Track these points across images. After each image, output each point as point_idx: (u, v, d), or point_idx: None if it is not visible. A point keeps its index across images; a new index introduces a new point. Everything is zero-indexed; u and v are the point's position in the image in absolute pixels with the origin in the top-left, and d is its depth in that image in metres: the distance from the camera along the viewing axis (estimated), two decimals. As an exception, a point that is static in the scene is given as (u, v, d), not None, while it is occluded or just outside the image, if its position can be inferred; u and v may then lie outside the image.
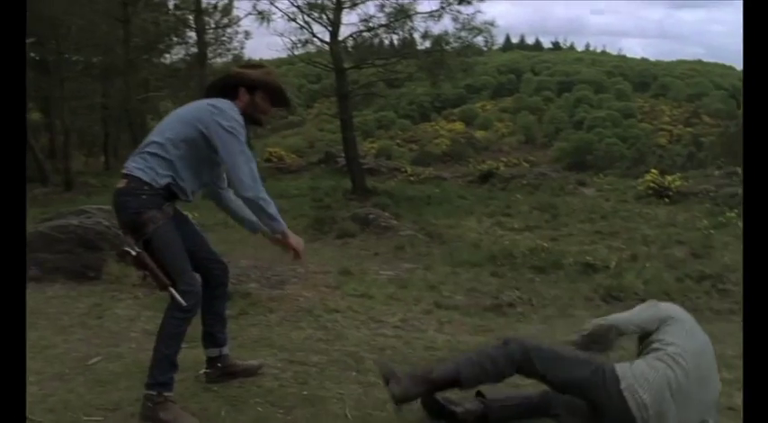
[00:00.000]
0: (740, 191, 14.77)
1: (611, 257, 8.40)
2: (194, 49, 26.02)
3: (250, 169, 3.43)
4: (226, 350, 3.95)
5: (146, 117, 33.18)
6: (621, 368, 3.17)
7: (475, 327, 5.43)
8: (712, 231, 11.02)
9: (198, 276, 3.62)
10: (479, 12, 18.33)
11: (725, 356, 4.82)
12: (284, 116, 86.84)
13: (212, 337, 3.90)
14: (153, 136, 3.55)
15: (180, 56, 30.32)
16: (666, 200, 15.00)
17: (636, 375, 3.14)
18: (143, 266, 3.44)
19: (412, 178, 20.82)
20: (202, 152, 3.50)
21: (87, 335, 4.78)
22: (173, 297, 3.45)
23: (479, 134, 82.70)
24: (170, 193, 3.49)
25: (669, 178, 16.01)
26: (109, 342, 4.62)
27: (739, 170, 17.81)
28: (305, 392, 3.79)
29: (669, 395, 3.13)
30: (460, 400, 3.41)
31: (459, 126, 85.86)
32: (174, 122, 3.56)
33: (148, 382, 3.45)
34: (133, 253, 3.42)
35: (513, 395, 3.50)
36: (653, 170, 17.77)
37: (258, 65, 3.91)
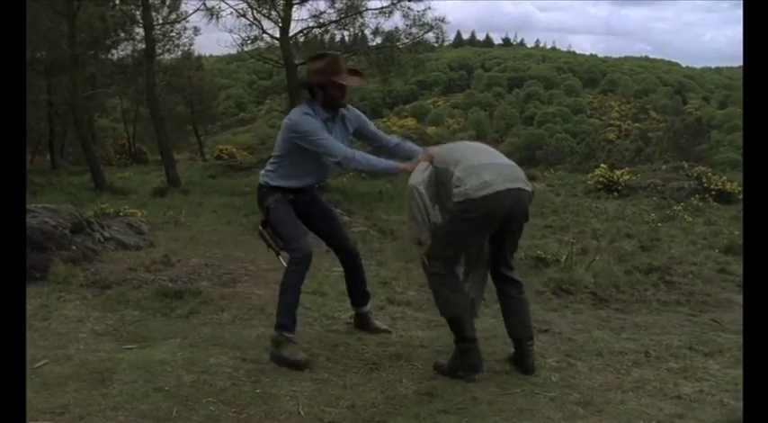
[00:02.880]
0: (686, 185, 15.11)
1: (561, 251, 8.48)
2: (142, 45, 25.64)
3: (332, 145, 4.37)
4: (364, 309, 5.02)
5: (93, 114, 32.65)
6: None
7: (427, 322, 5.43)
8: (659, 224, 11.23)
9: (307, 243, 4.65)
10: (429, 8, 18.48)
11: (672, 346, 4.91)
12: (235, 113, 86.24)
13: (353, 299, 5.03)
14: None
15: (127, 52, 29.86)
16: (615, 194, 15.25)
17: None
18: (263, 239, 4.67)
19: (363, 174, 20.75)
20: (305, 153, 4.47)
21: (33, 337, 4.67)
22: (282, 259, 4.62)
23: (431, 130, 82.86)
24: (283, 189, 4.60)
25: (618, 173, 16.27)
26: (56, 344, 4.52)
27: (686, 164, 18.18)
28: (258, 391, 3.76)
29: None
30: None
31: (410, 122, 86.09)
32: (278, 140, 4.66)
33: (275, 324, 4.42)
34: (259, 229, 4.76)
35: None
36: (602, 165, 18.08)
37: (319, 57, 4.64)
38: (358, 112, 4.75)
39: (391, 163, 4.50)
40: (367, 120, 4.79)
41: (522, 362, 4.23)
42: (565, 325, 5.43)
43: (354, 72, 4.68)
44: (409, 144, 4.77)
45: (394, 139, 4.85)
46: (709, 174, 15.44)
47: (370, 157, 4.48)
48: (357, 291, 5.00)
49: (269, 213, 4.62)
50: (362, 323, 5.02)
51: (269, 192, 4.66)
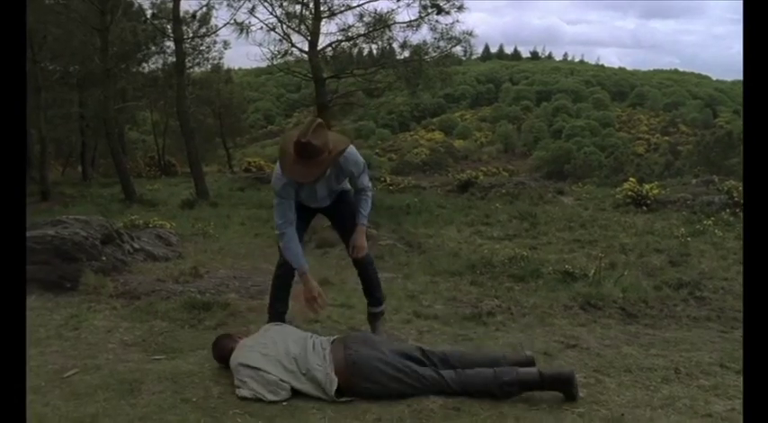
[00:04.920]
0: (716, 199, 14.93)
1: (589, 266, 8.41)
2: (172, 59, 25.95)
3: (278, 212, 4.55)
4: (371, 309, 5.14)
5: (123, 127, 33.05)
6: None
7: (454, 336, 5.42)
8: (689, 239, 11.09)
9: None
10: (458, 22, 18.47)
11: (702, 363, 4.84)
12: (264, 126, 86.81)
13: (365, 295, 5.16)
14: None
15: (158, 65, 30.29)
16: (644, 208, 15.11)
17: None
18: None
19: (391, 187, 20.85)
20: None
21: (64, 346, 4.73)
22: None
23: (458, 143, 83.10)
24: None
25: (647, 187, 16.11)
26: (86, 354, 4.57)
27: (716, 178, 17.98)
28: (284, 403, 3.77)
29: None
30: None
31: (438, 135, 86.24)
32: None
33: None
34: None
35: None
36: (631, 179, 17.91)
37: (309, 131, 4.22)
38: (353, 163, 4.55)
39: (302, 264, 4.66)
40: (357, 172, 4.62)
41: None
42: (593, 340, 5.38)
43: (312, 156, 4.14)
44: (360, 206, 4.77)
45: (356, 195, 4.80)
46: (740, 188, 15.24)
47: (292, 245, 4.60)
48: (366, 291, 5.17)
49: None
50: (369, 320, 5.20)
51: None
